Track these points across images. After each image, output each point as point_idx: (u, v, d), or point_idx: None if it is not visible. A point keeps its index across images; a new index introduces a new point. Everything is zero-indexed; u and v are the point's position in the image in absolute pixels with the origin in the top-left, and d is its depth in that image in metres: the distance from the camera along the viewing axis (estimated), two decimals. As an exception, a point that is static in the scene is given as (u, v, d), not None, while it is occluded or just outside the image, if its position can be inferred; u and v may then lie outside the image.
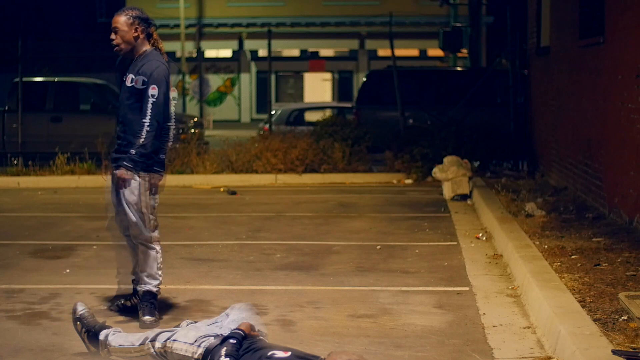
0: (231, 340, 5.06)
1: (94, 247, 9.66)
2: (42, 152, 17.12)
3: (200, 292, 7.55)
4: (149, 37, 6.61)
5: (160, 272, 6.64)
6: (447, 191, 13.45)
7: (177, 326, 5.51)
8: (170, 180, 15.98)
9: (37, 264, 8.77)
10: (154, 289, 6.59)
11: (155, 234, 6.61)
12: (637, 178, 9.32)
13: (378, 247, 9.59)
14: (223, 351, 5.00)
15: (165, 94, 6.45)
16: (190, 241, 9.96)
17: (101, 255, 9.21)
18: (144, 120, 6.38)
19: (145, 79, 6.43)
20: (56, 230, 10.86)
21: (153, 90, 6.40)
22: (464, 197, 13.25)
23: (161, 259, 6.65)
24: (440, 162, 14.12)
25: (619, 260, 7.85)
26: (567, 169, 12.90)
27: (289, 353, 4.91)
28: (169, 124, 6.63)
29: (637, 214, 9.26)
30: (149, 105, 6.39)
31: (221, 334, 5.20)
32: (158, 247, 6.62)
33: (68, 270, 8.37)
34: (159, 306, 6.69)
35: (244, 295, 7.31)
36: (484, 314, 6.72)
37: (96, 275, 8.21)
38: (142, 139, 6.37)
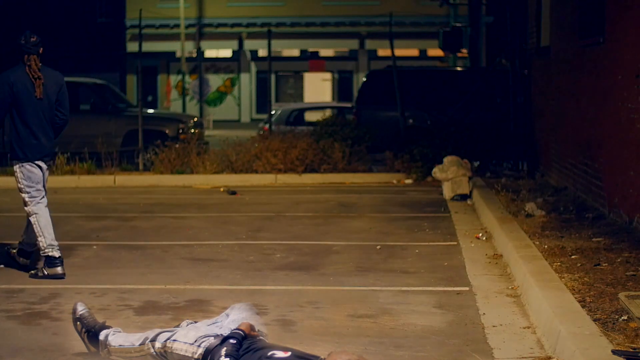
0: (231, 340, 5.06)
1: (94, 247, 9.66)
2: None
3: (200, 292, 7.55)
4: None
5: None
6: (447, 191, 13.45)
7: (177, 326, 5.51)
8: (170, 180, 16.01)
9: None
10: None
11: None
12: (637, 178, 9.32)
13: (378, 247, 9.58)
14: (223, 351, 5.00)
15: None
16: (190, 241, 9.96)
17: (101, 255, 9.21)
18: None
19: None
20: (56, 230, 10.81)
21: None
22: (464, 197, 13.25)
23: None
24: (440, 162, 14.11)
25: (619, 260, 7.85)
26: (567, 169, 12.89)
27: (289, 353, 4.91)
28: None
29: (637, 214, 9.26)
30: None
31: (221, 334, 5.20)
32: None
33: (68, 270, 8.35)
34: (159, 306, 6.86)
35: (244, 295, 7.31)
36: (484, 314, 6.72)
37: (96, 275, 8.21)
38: None
